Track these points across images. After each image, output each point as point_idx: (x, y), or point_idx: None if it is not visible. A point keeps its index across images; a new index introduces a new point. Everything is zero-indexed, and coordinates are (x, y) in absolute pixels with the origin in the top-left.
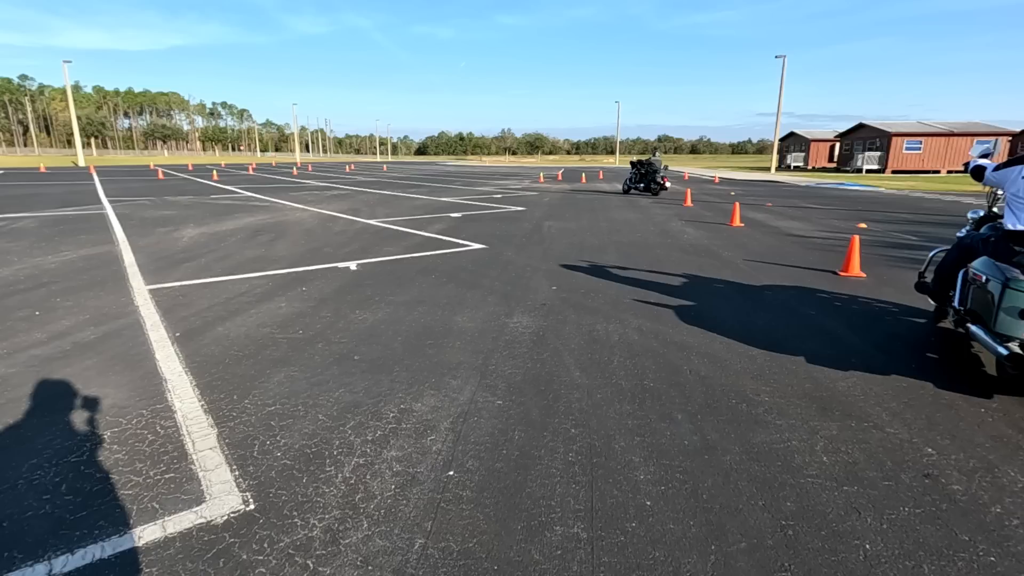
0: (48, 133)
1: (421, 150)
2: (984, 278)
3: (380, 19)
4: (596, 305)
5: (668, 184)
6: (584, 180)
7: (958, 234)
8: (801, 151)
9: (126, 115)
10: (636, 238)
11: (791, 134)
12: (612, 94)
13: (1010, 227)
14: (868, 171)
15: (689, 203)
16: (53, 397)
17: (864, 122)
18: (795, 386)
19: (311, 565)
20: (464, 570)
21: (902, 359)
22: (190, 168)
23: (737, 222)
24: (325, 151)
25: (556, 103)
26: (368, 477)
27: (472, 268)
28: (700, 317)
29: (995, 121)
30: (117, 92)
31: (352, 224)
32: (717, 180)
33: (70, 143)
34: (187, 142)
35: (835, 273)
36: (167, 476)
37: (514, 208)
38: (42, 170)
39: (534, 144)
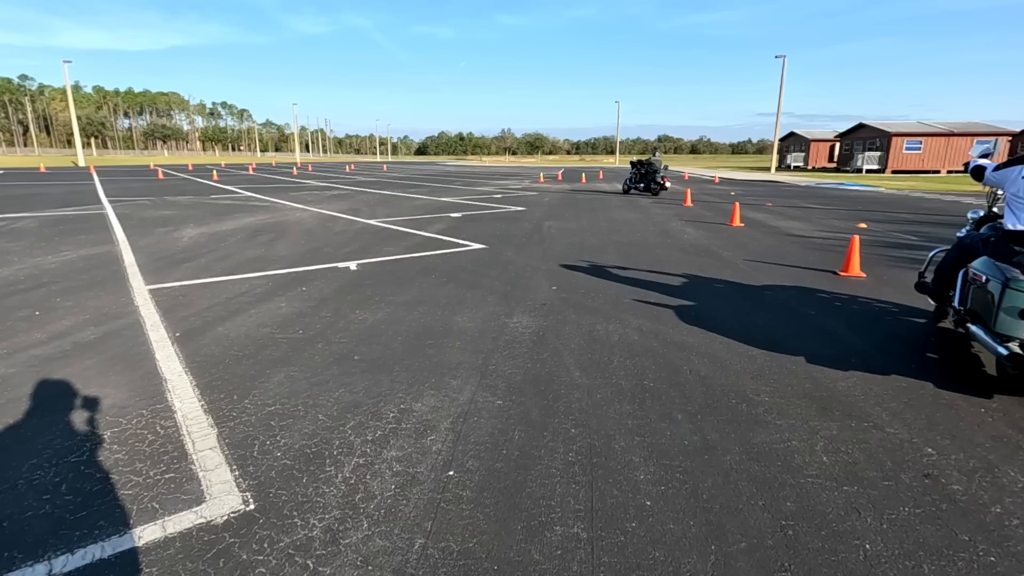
0: (48, 133)
1: (421, 150)
2: (984, 278)
3: (380, 19)
4: (596, 305)
5: (668, 184)
6: (584, 180)
7: (958, 234)
8: (801, 151)
9: (126, 115)
10: (636, 238)
11: (791, 134)
12: (612, 94)
13: (1010, 227)
14: (868, 171)
15: (689, 203)
16: (53, 397)
17: (864, 122)
18: (795, 386)
19: (311, 565)
20: (464, 570)
21: (902, 359)
22: (190, 168)
23: (737, 222)
24: (325, 151)
25: (556, 103)
26: (368, 477)
27: (472, 268)
28: (700, 317)
29: (995, 121)
30: (117, 92)
31: (352, 224)
32: (717, 180)
33: (70, 143)
34: (187, 142)
35: (835, 273)
36: (167, 476)
37: (514, 208)
38: (42, 170)
39: (534, 144)
